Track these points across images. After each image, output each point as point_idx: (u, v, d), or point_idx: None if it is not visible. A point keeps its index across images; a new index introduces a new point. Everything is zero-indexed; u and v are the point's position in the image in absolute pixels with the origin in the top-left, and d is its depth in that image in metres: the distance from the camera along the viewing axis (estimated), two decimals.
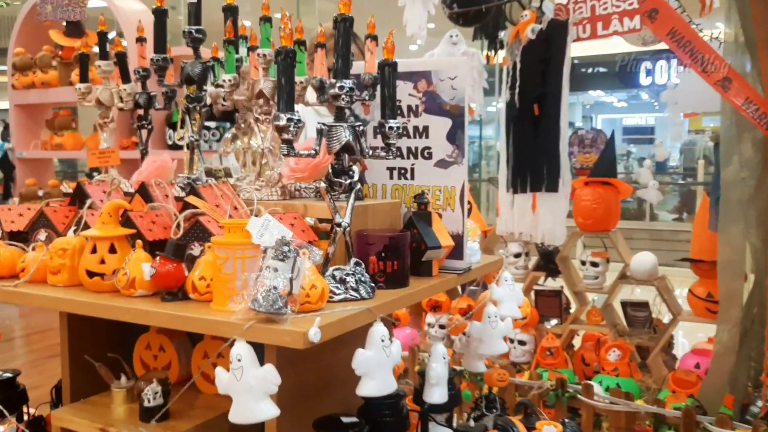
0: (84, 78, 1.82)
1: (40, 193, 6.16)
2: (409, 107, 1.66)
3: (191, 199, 1.42)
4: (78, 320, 1.70)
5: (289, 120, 1.25)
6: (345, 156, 1.34)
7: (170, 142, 5.73)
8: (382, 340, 1.24)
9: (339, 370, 1.41)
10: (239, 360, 1.12)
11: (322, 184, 1.32)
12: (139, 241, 1.38)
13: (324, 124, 1.31)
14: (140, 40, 1.84)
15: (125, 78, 1.78)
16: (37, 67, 6.10)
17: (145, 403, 1.46)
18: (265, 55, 1.56)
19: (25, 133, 6.41)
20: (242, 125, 1.83)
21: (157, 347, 1.69)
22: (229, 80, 1.59)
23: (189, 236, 1.36)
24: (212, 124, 5.01)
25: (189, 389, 1.55)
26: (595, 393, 2.77)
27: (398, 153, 1.68)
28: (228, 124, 5.10)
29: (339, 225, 1.33)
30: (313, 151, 1.33)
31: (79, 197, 1.65)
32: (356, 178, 1.34)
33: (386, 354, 1.24)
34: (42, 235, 1.59)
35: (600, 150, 4.96)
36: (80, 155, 6.41)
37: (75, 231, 1.48)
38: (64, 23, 6.11)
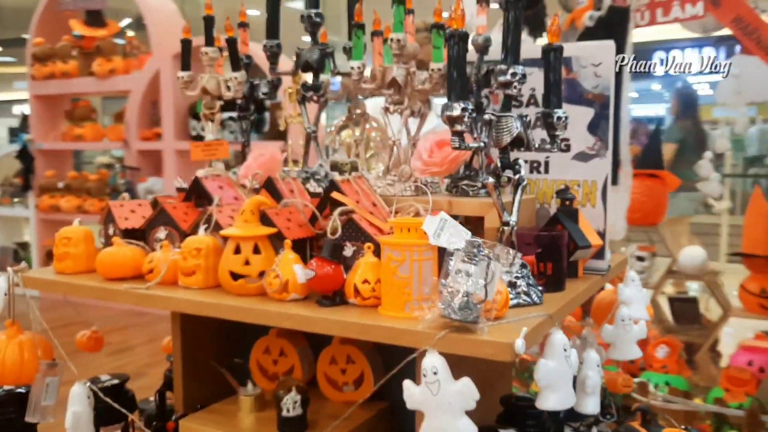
0: (186, 65, 1.70)
1: (60, 185, 6.04)
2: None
3: (338, 196, 1.32)
4: (191, 323, 1.61)
5: (464, 110, 1.15)
6: (510, 149, 1.24)
7: (194, 133, 5.62)
8: (564, 350, 1.15)
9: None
10: (435, 373, 1.03)
11: (490, 180, 1.22)
12: (288, 241, 1.28)
13: (493, 114, 1.21)
14: (242, 25, 1.73)
15: (235, 65, 1.67)
16: (57, 57, 5.96)
17: (284, 413, 1.37)
18: (398, 41, 1.45)
19: (44, 124, 6.27)
20: (354, 115, 1.73)
21: (277, 351, 1.60)
22: (358, 67, 1.49)
23: (342, 236, 1.26)
24: (234, 114, 4.89)
25: (314, 397, 1.46)
26: (650, 391, 2.68)
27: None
28: (255, 115, 4.98)
29: (507, 224, 1.23)
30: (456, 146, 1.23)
31: (195, 193, 1.55)
32: (523, 172, 1.24)
33: (568, 364, 1.15)
34: (162, 233, 1.48)
35: (641, 141, 4.87)
36: (100, 146, 6.29)
37: (206, 229, 1.37)
38: (85, 12, 5.98)
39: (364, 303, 1.20)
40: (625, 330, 1.62)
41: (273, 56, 1.64)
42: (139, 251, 1.45)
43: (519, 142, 1.23)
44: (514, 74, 1.19)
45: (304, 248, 1.37)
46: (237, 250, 1.29)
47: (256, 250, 1.29)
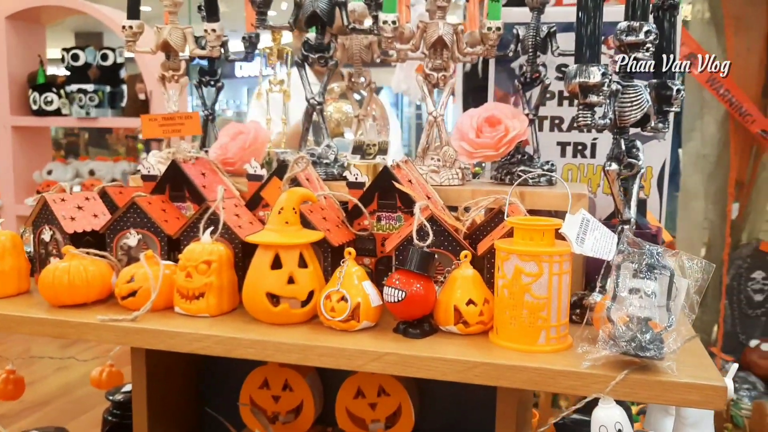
0: (134, 13, 1.27)
1: None
2: None
3: (405, 189, 1.00)
4: (157, 355, 1.21)
5: (604, 75, 0.89)
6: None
7: (35, 107, 4.81)
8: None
9: None
10: (620, 431, 0.76)
11: (613, 166, 0.96)
12: (350, 250, 0.94)
13: (619, 83, 0.95)
14: None
15: (212, 13, 1.27)
16: None
17: None
18: None
19: None
20: (355, 84, 1.40)
21: (279, 385, 1.24)
22: (392, 21, 1.16)
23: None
24: (90, 86, 4.25)
25: None
26: None
27: (575, 125, 1.35)
28: (108, 88, 4.38)
29: (627, 222, 0.98)
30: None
31: (171, 182, 1.15)
32: (643, 159, 0.99)
33: None
34: (132, 238, 1.07)
35: None
36: None
37: (213, 233, 0.99)
38: None
39: (467, 331, 0.90)
40: None
41: (264, 4, 1.26)
42: (103, 266, 1.03)
43: (646, 120, 0.98)
44: (648, 32, 0.94)
45: (340, 256, 1.04)
46: (277, 264, 0.93)
47: (302, 263, 0.94)
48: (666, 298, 0.79)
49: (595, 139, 1.35)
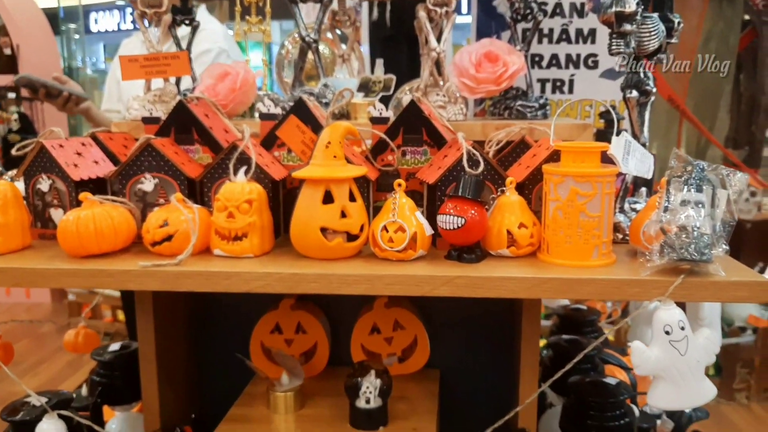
0: None
1: None
2: (573, 6, 1.39)
3: (442, 125, 1.01)
4: (164, 305, 1.18)
5: (638, 4, 0.94)
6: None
7: None
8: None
9: None
10: (683, 328, 0.83)
11: (634, 93, 1.03)
12: (400, 181, 0.94)
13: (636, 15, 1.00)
14: None
15: None
16: None
17: (362, 404, 1.05)
18: None
19: None
20: (341, 21, 1.38)
21: (292, 329, 1.23)
22: None
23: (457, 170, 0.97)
24: None
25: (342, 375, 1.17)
26: None
27: (554, 62, 1.41)
28: None
29: (644, 146, 1.05)
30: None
31: (176, 125, 1.08)
32: (654, 89, 1.06)
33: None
34: (148, 182, 1.01)
35: None
36: None
37: (246, 173, 0.96)
38: None
39: (518, 253, 0.94)
40: None
41: None
42: (125, 212, 0.97)
43: (659, 51, 1.04)
44: None
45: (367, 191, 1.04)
46: (328, 199, 0.91)
47: (351, 197, 0.93)
48: (712, 207, 0.87)
49: (573, 75, 1.42)
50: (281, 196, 1.04)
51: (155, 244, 0.94)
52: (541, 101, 1.27)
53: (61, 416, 0.98)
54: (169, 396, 1.22)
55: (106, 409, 1.35)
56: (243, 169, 0.96)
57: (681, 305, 0.86)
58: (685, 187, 0.86)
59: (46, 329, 4.29)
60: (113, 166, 1.07)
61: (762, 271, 0.95)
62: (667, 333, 0.83)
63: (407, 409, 1.13)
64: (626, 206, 1.07)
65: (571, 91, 1.43)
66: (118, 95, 2.13)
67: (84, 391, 1.37)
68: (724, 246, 0.86)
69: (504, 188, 0.95)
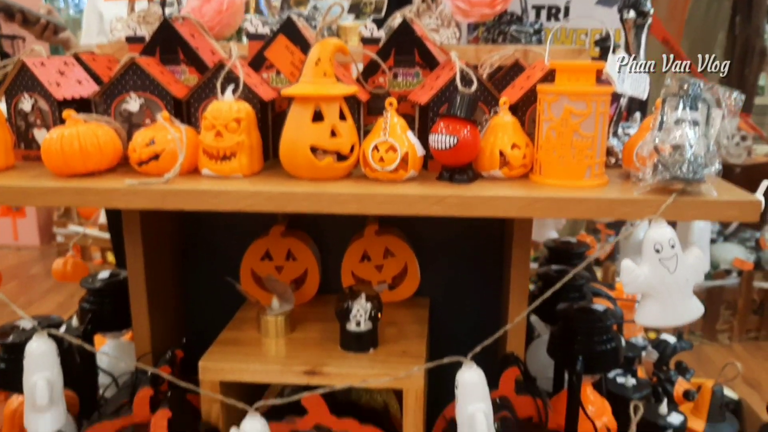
0: None
1: None
2: None
3: (430, 43, 0.99)
4: (151, 225, 1.17)
5: None
6: None
7: None
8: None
9: None
10: (673, 246, 0.83)
11: (631, 14, 1.00)
12: (392, 100, 0.92)
13: None
14: None
15: None
16: None
17: (353, 327, 1.06)
18: None
19: None
20: None
21: (282, 256, 1.23)
22: None
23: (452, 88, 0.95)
24: None
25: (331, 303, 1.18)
26: None
27: None
28: None
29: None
30: None
31: (163, 43, 1.05)
32: (652, 10, 1.04)
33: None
34: (133, 102, 0.99)
35: None
36: None
37: (234, 92, 0.94)
38: None
39: (510, 174, 0.93)
40: None
41: None
42: (110, 131, 0.95)
43: None
44: None
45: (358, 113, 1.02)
46: (318, 117, 0.90)
47: (341, 116, 0.92)
48: (705, 126, 0.86)
49: (568, 2, 1.39)
50: (270, 119, 1.02)
51: (142, 163, 0.92)
52: (536, 26, 1.24)
53: (51, 337, 0.98)
54: (159, 321, 1.23)
55: (97, 338, 1.36)
56: (231, 87, 0.94)
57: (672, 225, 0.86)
58: (681, 104, 0.85)
59: (35, 271, 4.28)
60: (97, 86, 1.05)
61: None
62: (657, 251, 0.83)
63: (397, 333, 1.13)
64: (619, 131, 1.06)
65: (566, 15, 1.40)
66: (99, 28, 2.07)
67: (75, 322, 1.37)
68: (717, 165, 0.85)
69: (497, 108, 0.94)
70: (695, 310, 0.87)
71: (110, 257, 3.95)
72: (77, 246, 3.60)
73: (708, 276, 3.49)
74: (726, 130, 0.87)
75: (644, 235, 0.85)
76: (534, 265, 2.00)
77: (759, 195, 0.85)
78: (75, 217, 4.32)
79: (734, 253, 3.53)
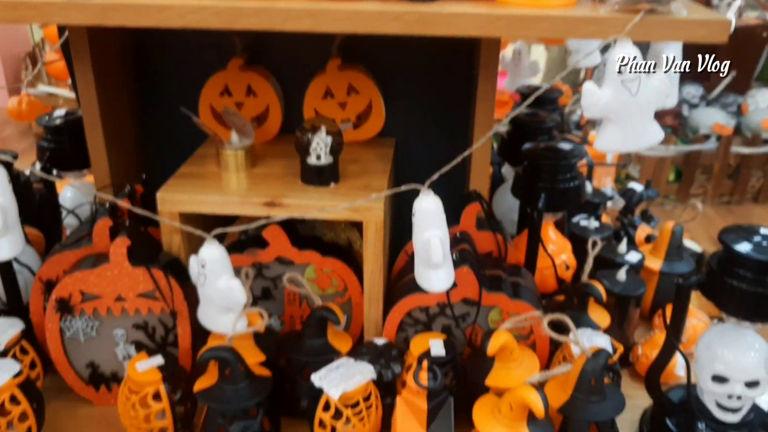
0: None
1: None
2: None
3: None
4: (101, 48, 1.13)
5: None
6: None
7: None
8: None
9: None
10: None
11: None
12: None
13: None
14: None
15: None
16: None
17: (313, 161, 1.05)
18: None
19: None
20: None
21: (242, 91, 1.19)
22: None
23: None
24: None
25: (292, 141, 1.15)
26: None
27: None
28: None
29: None
30: None
31: None
32: None
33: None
34: None
35: None
36: None
37: None
38: None
39: None
40: None
41: None
42: None
43: None
44: None
45: None
46: None
47: None
48: None
49: None
50: None
51: None
52: None
53: (3, 164, 0.96)
54: (117, 158, 1.21)
55: (60, 184, 1.34)
56: None
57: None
58: None
59: (7, 134, 4.21)
60: None
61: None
62: (620, 72, 0.81)
63: (359, 170, 1.12)
64: None
65: None
66: None
67: (37, 167, 1.35)
68: None
69: None
70: (656, 134, 0.85)
71: None
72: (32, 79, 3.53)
73: (686, 140, 3.50)
74: None
75: (608, 56, 0.82)
76: None
77: (730, 15, 0.81)
78: (45, 78, 4.19)
79: (715, 118, 3.52)
